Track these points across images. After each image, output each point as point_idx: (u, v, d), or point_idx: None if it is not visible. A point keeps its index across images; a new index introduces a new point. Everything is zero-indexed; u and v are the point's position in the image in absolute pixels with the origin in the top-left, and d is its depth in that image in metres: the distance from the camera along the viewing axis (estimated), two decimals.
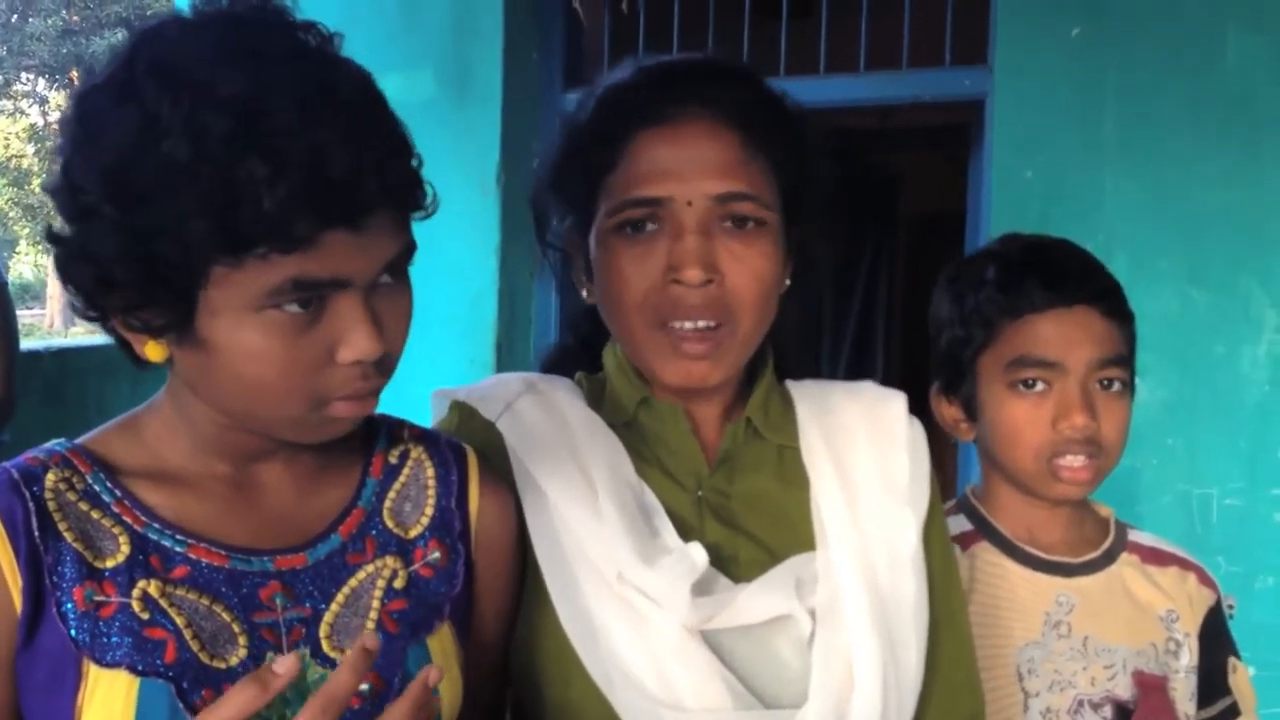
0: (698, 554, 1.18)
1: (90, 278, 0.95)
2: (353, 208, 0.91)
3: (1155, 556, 1.60)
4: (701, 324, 1.20)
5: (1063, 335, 1.48)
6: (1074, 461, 1.48)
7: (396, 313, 1.01)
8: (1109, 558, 1.57)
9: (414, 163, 1.00)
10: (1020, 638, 1.51)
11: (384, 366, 1.01)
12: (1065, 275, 1.51)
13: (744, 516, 1.27)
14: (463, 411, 1.34)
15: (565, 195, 1.31)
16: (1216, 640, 1.59)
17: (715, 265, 1.19)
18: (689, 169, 1.20)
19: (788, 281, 1.31)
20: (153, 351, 0.99)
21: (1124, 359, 1.52)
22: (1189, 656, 1.55)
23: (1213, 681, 1.58)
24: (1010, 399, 1.51)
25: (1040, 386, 1.49)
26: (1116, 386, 1.50)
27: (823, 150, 1.32)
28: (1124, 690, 1.50)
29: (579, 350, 1.43)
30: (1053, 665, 1.50)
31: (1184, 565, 1.60)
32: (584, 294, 1.33)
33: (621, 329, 1.26)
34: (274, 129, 0.88)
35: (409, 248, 1.01)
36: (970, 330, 1.54)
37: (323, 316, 0.95)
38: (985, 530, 1.58)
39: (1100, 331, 1.49)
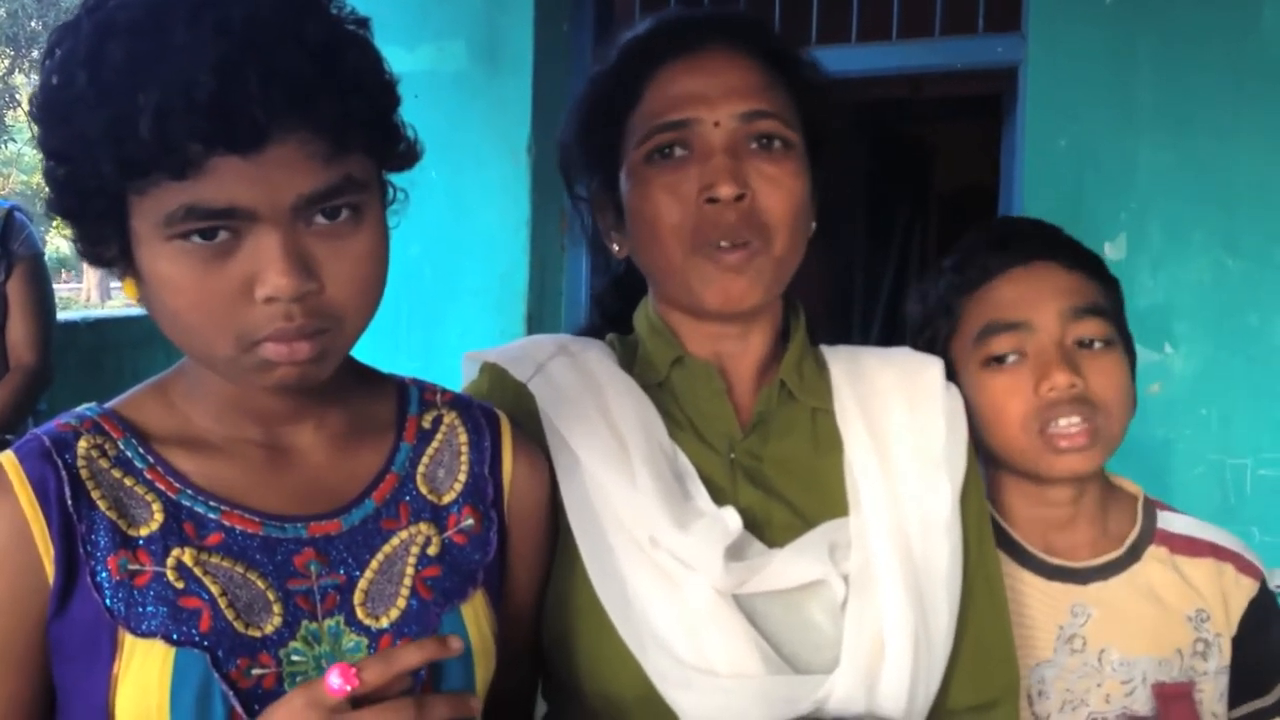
0: (731, 518, 1.19)
1: (52, 207, 0.97)
2: (235, 134, 0.88)
3: (1188, 546, 1.49)
4: (737, 241, 1.20)
5: (1023, 293, 1.41)
6: (1068, 426, 1.37)
7: (343, 254, 0.96)
8: (1134, 555, 1.47)
9: (358, 97, 0.95)
10: (1031, 657, 1.42)
11: (318, 309, 0.96)
12: (1015, 235, 1.48)
13: (777, 480, 1.27)
14: (494, 373, 1.34)
15: (591, 143, 1.31)
16: (1265, 628, 1.49)
17: (746, 182, 1.20)
18: (714, 92, 1.22)
19: (813, 224, 1.31)
20: (129, 290, 1.00)
21: (1101, 310, 1.42)
22: (1219, 658, 1.46)
23: (1265, 671, 1.49)
24: (986, 376, 1.42)
25: (1014, 358, 1.41)
26: (1097, 345, 1.41)
27: (840, 110, 1.33)
28: (1143, 706, 1.43)
29: (606, 329, 1.42)
30: (1064, 684, 1.43)
31: (1220, 555, 1.49)
32: (615, 248, 1.34)
33: (659, 261, 1.26)
34: (158, 54, 0.87)
35: (346, 184, 0.95)
36: (935, 322, 1.48)
37: (238, 250, 0.93)
38: (997, 537, 1.42)
39: (1065, 283, 1.42)
